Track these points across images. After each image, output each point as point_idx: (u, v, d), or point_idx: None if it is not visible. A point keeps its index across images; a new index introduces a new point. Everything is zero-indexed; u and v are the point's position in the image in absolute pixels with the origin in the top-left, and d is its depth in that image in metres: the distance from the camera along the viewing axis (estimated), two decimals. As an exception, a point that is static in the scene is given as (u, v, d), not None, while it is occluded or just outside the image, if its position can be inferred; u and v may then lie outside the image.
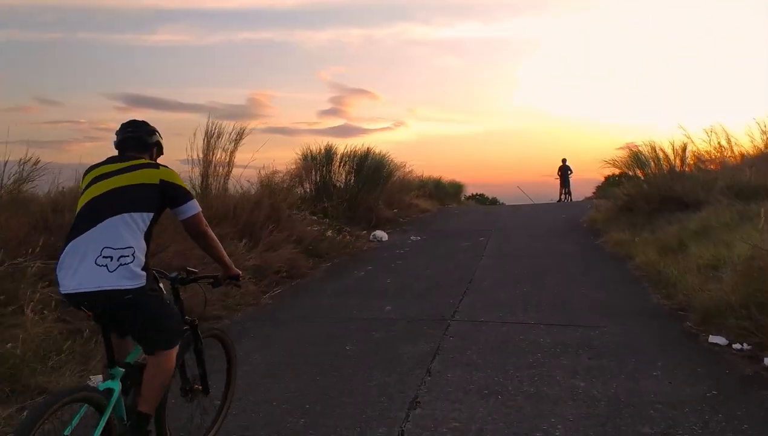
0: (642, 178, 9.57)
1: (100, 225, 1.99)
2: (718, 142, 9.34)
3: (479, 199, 50.67)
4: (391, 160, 14.44)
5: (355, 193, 12.73)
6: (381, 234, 10.49)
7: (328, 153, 13.38)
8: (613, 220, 9.51)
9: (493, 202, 47.73)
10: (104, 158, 2.25)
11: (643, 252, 6.52)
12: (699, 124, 9.80)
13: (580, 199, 22.09)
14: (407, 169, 16.75)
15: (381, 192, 13.22)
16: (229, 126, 8.02)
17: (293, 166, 12.37)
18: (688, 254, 5.70)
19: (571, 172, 19.73)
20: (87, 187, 2.14)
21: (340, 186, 13.23)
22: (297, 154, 13.08)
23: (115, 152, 2.29)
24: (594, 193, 33.26)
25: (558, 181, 19.88)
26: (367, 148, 13.29)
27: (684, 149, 9.18)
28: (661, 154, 9.17)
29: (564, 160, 19.90)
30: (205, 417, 2.53)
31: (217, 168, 7.80)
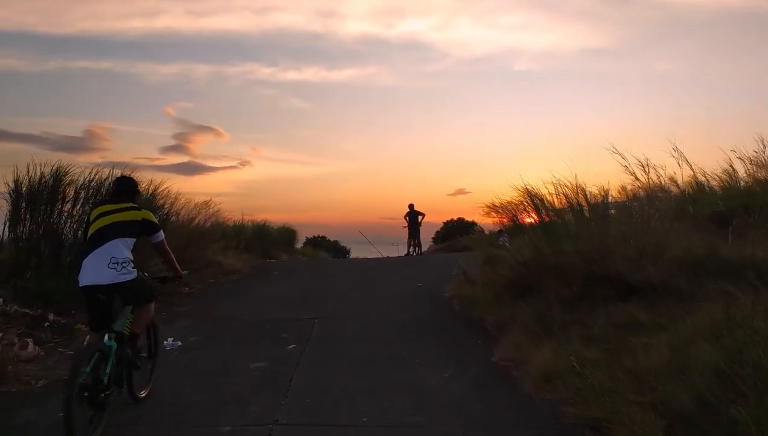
0: (542, 233, 6.25)
1: (107, 245, 3.44)
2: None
3: (319, 242, 46.66)
4: (173, 195, 9.58)
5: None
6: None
7: (56, 179, 8.01)
8: (501, 304, 5.99)
9: (334, 245, 44.28)
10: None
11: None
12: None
13: (425, 246, 19.54)
14: (211, 211, 11.90)
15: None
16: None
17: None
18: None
19: (422, 218, 16.57)
20: (95, 219, 3.60)
21: (68, 238, 7.92)
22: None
23: None
24: (433, 240, 31.84)
25: (406, 229, 16.60)
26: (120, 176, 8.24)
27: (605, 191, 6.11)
28: (573, 196, 5.96)
29: (411, 206, 16.61)
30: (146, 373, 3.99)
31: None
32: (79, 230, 7.72)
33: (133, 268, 3.49)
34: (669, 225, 5.60)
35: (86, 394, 3.04)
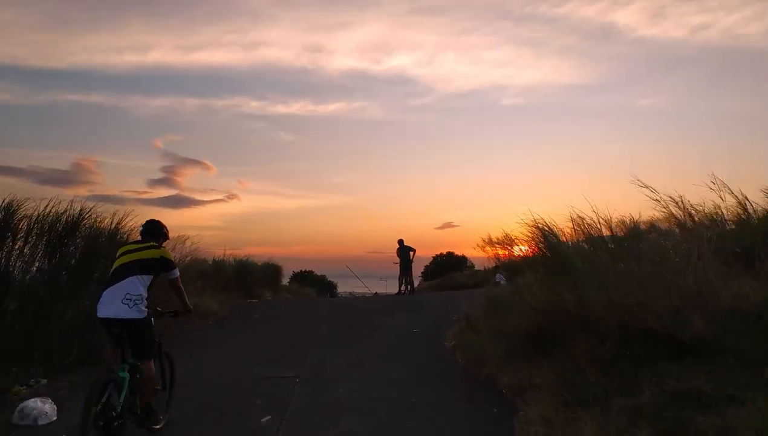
0: (557, 273, 5.42)
1: (124, 281, 3.67)
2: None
3: (306, 277, 45.33)
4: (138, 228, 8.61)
5: (47, 295, 6.67)
6: (40, 408, 4.50)
7: (7, 213, 7.06)
8: (516, 360, 5.09)
9: (321, 280, 43.04)
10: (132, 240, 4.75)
11: None
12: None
13: (415, 282, 18.43)
14: (188, 248, 10.94)
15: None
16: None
17: None
18: None
19: (414, 254, 15.52)
20: (120, 256, 3.88)
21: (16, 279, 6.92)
22: None
23: None
24: (422, 275, 30.60)
25: (397, 265, 15.57)
26: (79, 209, 7.34)
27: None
28: (595, 227, 5.19)
29: (401, 242, 15.58)
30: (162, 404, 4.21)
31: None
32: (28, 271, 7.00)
33: (146, 307, 3.70)
34: (709, 265, 4.80)
35: (101, 423, 3.19)
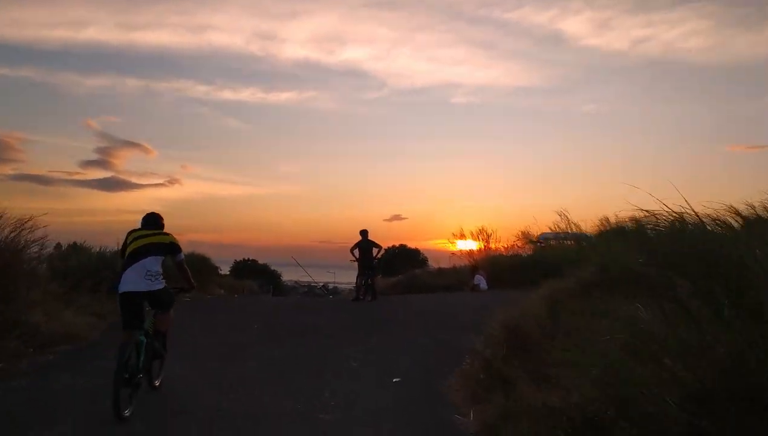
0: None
1: (144, 260, 4.32)
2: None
3: (248, 266, 41.12)
4: None
5: None
6: None
7: None
8: None
9: (264, 270, 39.05)
10: (139, 226, 4.65)
11: None
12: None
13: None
14: (33, 235, 7.18)
15: None
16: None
17: None
18: None
19: (379, 252, 11.88)
20: (132, 241, 4.44)
21: None
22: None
23: None
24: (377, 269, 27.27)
25: (356, 263, 11.86)
26: None
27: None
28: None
29: (364, 234, 11.82)
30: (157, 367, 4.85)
31: None
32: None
33: (163, 279, 4.44)
34: None
35: (127, 376, 3.95)
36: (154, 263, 4.38)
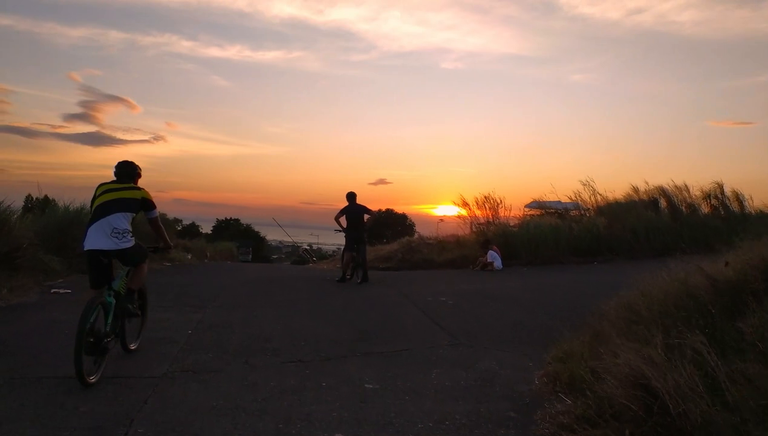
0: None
1: (108, 217, 4.02)
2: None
3: (231, 225, 40.33)
4: None
5: None
6: None
7: None
8: None
9: (247, 231, 38.38)
10: (110, 180, 4.31)
11: None
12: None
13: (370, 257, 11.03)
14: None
15: None
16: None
17: None
18: None
19: (371, 218, 9.82)
20: (101, 194, 4.17)
21: None
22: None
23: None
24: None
25: (342, 233, 9.81)
26: None
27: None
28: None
29: (352, 198, 9.72)
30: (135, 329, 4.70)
31: None
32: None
33: (132, 237, 4.14)
34: None
35: (91, 339, 3.68)
36: (121, 220, 4.06)
